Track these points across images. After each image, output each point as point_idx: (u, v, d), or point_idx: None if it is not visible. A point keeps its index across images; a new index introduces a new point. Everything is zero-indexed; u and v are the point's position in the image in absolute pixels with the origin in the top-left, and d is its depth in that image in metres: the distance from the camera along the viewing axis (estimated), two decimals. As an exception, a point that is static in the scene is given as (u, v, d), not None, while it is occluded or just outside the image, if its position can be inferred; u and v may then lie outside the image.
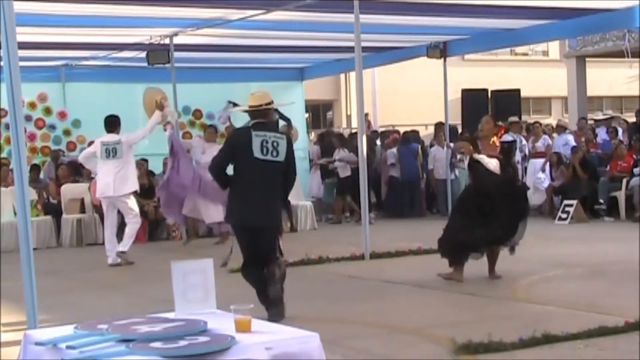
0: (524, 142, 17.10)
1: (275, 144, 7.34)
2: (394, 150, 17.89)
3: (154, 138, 17.51)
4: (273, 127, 7.86)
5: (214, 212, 12.68)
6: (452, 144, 17.09)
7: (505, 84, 21.95)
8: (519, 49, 31.07)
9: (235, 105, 16.43)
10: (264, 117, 7.49)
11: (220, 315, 3.83)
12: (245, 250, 7.58)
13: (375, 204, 18.52)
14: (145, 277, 10.62)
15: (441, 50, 16.46)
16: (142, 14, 12.42)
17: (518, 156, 16.85)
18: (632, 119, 20.05)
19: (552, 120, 27.01)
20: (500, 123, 9.38)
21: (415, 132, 19.04)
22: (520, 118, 19.78)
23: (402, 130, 20.04)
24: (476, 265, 9.42)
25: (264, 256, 7.47)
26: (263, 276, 7.51)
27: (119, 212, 12.20)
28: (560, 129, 18.01)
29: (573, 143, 17.03)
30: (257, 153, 7.26)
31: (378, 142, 19.35)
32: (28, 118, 16.49)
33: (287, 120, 18.20)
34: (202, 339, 3.38)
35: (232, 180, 7.53)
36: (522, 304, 7.99)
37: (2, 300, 8.24)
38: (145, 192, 14.94)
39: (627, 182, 15.40)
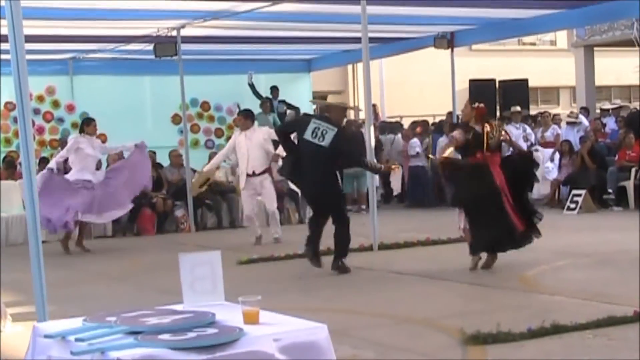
0: (529, 130, 17.07)
1: (324, 132, 9.25)
2: (417, 140, 17.90)
3: (161, 131, 17.62)
4: (333, 121, 9.42)
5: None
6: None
7: (513, 74, 21.91)
8: (527, 39, 30.98)
9: (252, 85, 16.89)
10: (330, 113, 9.61)
11: (228, 307, 3.83)
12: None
13: (383, 194, 18.55)
14: (154, 269, 10.64)
15: (448, 41, 16.42)
16: (149, 6, 12.45)
17: (524, 145, 16.88)
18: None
19: (560, 110, 26.94)
20: (476, 105, 9.36)
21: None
22: (528, 108, 19.75)
23: (407, 121, 20.04)
24: (483, 257, 9.41)
25: (325, 216, 9.63)
26: (318, 231, 9.65)
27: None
28: (575, 125, 17.92)
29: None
30: (307, 135, 9.31)
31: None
32: (36, 111, 16.56)
33: (296, 108, 18.30)
34: (210, 330, 3.39)
35: (292, 148, 9.66)
36: (531, 294, 7.98)
37: (12, 293, 8.28)
38: (153, 184, 14.97)
39: (636, 172, 15.35)
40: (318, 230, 9.65)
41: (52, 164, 12.52)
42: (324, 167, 9.31)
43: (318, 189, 9.48)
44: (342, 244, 9.55)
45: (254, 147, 12.19)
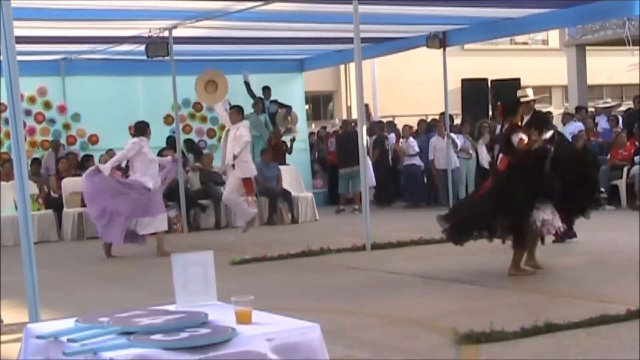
0: None
1: None
2: (413, 139, 17.93)
3: (153, 131, 17.52)
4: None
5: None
6: (452, 134, 17.07)
7: (505, 74, 21.94)
8: (519, 38, 31.06)
9: (247, 83, 17.13)
10: None
11: (221, 307, 3.83)
12: None
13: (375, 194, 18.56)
14: (146, 269, 10.62)
15: (441, 40, 16.41)
16: (141, 6, 12.41)
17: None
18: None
19: (552, 110, 27.00)
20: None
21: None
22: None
23: (402, 121, 20.02)
24: (477, 256, 9.42)
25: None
26: None
27: None
28: (568, 117, 17.99)
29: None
30: None
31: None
32: (28, 112, 16.50)
33: (287, 107, 18.30)
34: (203, 330, 3.38)
35: None
36: (524, 293, 7.98)
37: (4, 294, 8.25)
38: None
39: (628, 171, 15.39)
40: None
41: (106, 167, 11.73)
42: None
43: None
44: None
45: (231, 141, 12.60)
